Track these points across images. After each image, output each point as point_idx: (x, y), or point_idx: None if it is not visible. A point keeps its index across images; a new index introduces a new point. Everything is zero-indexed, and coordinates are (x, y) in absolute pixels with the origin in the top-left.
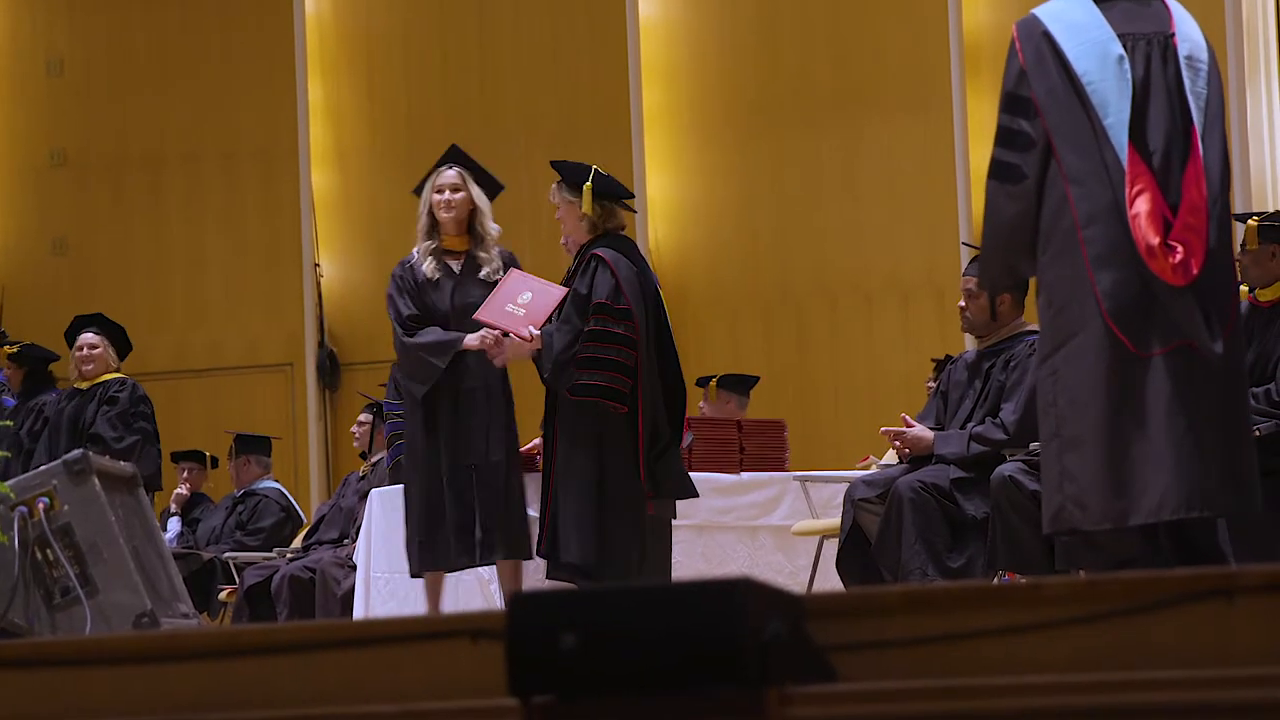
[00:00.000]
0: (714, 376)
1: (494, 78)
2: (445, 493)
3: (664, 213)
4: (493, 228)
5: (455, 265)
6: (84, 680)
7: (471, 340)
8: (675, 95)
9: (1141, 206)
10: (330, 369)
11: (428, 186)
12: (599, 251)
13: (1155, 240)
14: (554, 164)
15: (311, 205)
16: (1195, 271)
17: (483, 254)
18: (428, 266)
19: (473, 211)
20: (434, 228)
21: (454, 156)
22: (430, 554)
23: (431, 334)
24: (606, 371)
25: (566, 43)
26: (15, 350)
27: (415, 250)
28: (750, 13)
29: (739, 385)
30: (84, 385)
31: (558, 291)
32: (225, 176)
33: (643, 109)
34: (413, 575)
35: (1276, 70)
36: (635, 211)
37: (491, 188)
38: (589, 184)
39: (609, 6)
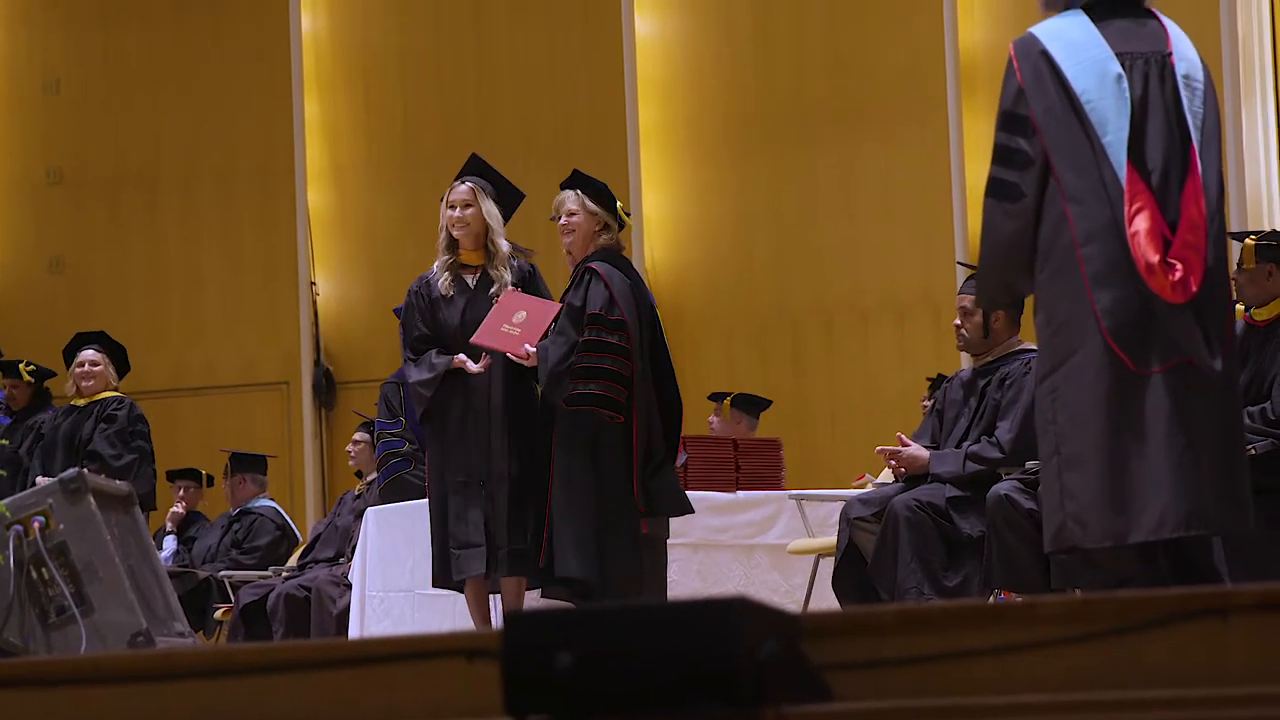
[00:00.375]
0: (730, 394)
1: (490, 96)
2: (452, 507)
3: (660, 231)
4: (503, 245)
5: (471, 280)
6: (79, 700)
7: (459, 361)
8: (671, 113)
9: (1140, 224)
10: (326, 387)
11: (444, 202)
12: (593, 265)
13: (1155, 258)
14: (580, 174)
15: (308, 223)
16: (1194, 289)
17: (493, 271)
18: (443, 283)
19: (486, 226)
20: (453, 242)
21: (471, 168)
22: (444, 567)
23: (424, 365)
24: (602, 381)
25: (562, 60)
26: (33, 368)
27: (434, 264)
28: (746, 30)
29: (752, 406)
30: (81, 402)
31: (552, 308)
32: (221, 194)
33: (639, 126)
34: (434, 585)
35: (1272, 90)
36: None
37: (511, 197)
38: (620, 206)
39: (605, 23)
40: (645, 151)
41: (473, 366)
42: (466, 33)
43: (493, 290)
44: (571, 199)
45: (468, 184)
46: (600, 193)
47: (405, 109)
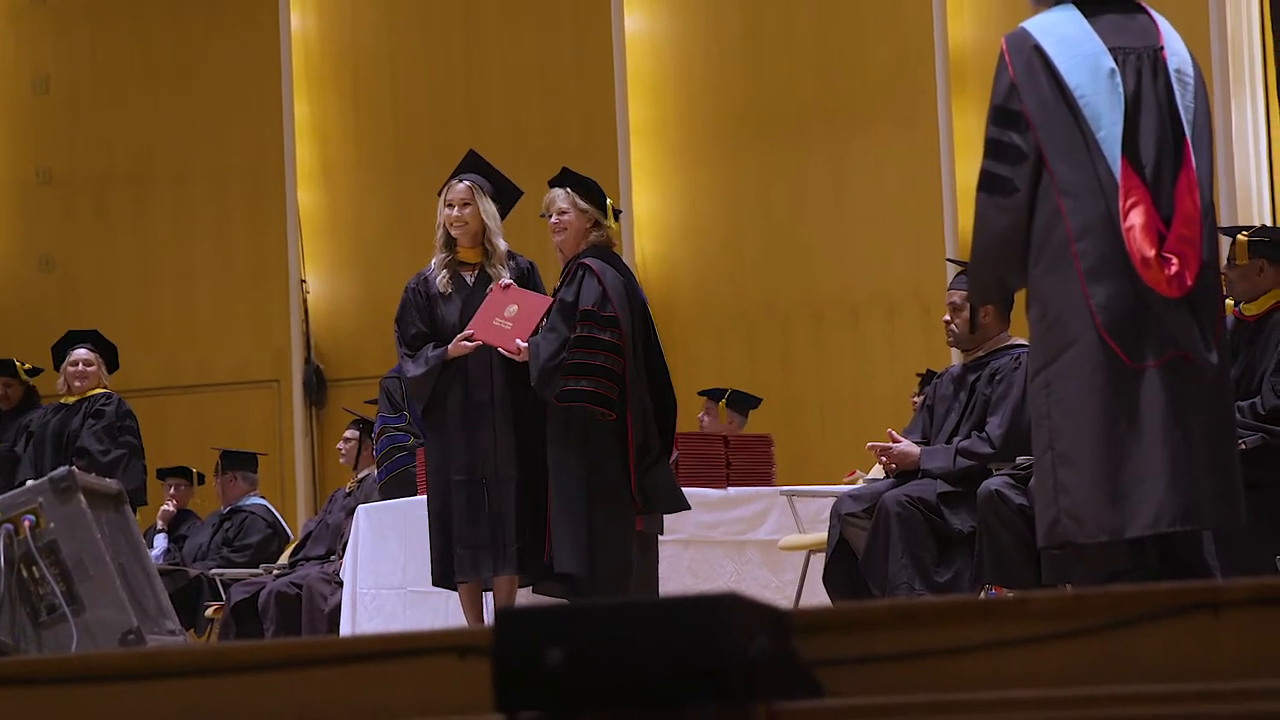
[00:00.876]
0: (725, 391)
1: (480, 94)
2: (455, 506)
3: (650, 229)
4: (501, 244)
5: (469, 277)
6: (70, 698)
7: (452, 350)
8: (661, 111)
9: (1136, 219)
10: (317, 385)
11: (441, 199)
12: (586, 261)
13: (1151, 252)
14: (570, 172)
15: (298, 222)
16: (1190, 283)
17: (491, 269)
18: (441, 280)
19: (483, 225)
20: (450, 239)
21: (469, 165)
22: (447, 567)
23: (421, 360)
24: (593, 378)
25: (552, 59)
26: (29, 368)
27: (432, 261)
28: (736, 28)
29: (742, 405)
30: (70, 400)
31: (544, 302)
32: (212, 194)
33: (629, 124)
34: (434, 585)
35: (1261, 86)
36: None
37: (509, 195)
38: (610, 203)
39: (595, 21)
40: (635, 150)
41: (467, 345)
42: (456, 32)
43: (490, 287)
44: (562, 197)
45: (466, 182)
46: (590, 190)
47: (395, 109)
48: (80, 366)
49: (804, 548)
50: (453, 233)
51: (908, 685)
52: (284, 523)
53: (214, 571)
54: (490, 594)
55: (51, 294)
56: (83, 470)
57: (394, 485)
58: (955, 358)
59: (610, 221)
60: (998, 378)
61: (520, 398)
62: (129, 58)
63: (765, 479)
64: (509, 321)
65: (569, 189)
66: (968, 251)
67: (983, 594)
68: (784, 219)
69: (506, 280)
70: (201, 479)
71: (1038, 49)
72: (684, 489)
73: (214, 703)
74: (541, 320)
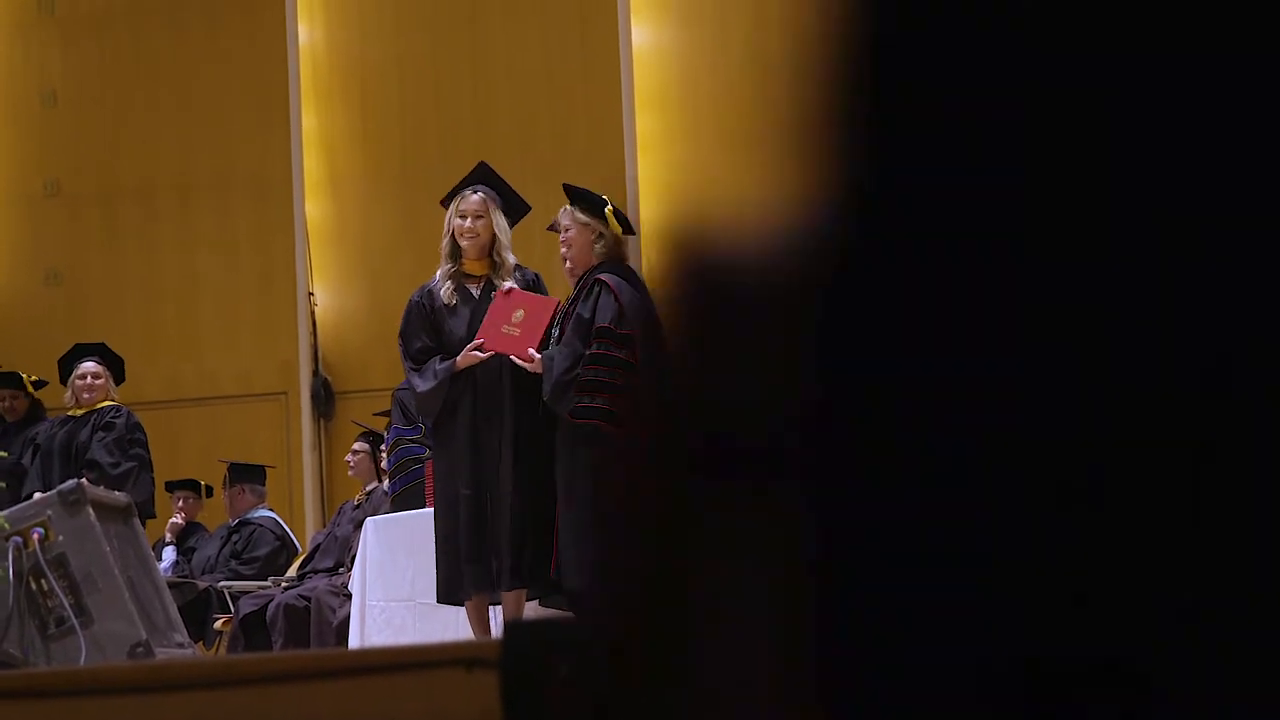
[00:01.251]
0: None
1: (487, 106)
2: (462, 520)
3: (659, 240)
4: (510, 258)
5: (475, 290)
6: (78, 711)
7: (461, 361)
8: (669, 122)
9: None
10: (325, 397)
11: (451, 209)
12: (602, 276)
13: None
14: (568, 187)
15: (305, 234)
16: None
17: (498, 281)
18: (445, 292)
19: (494, 238)
20: (456, 250)
21: (480, 176)
22: (453, 583)
23: (429, 374)
24: (607, 395)
25: (559, 70)
26: (35, 380)
27: (437, 273)
28: (742, 39)
29: None
30: (78, 412)
31: (549, 303)
32: (218, 206)
33: (636, 136)
34: (439, 601)
35: None
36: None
37: (518, 208)
38: (610, 208)
39: (602, 33)
40: (643, 161)
41: (478, 355)
42: (463, 43)
43: (492, 294)
44: (565, 215)
45: (480, 194)
46: (587, 201)
47: (402, 120)
48: (88, 379)
49: None
50: (462, 243)
51: None
52: (292, 535)
53: (222, 584)
54: (498, 607)
55: (58, 307)
56: (92, 483)
57: (408, 497)
58: None
59: (613, 227)
60: None
61: (526, 410)
62: (136, 70)
63: None
64: (517, 328)
65: (568, 205)
66: None
67: None
68: None
69: (509, 284)
70: (210, 491)
71: None
72: None
73: (222, 715)
74: (551, 322)
